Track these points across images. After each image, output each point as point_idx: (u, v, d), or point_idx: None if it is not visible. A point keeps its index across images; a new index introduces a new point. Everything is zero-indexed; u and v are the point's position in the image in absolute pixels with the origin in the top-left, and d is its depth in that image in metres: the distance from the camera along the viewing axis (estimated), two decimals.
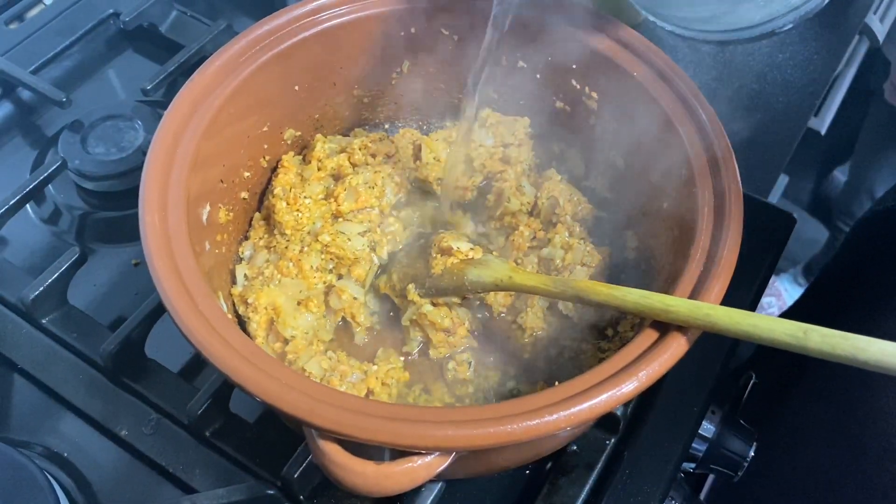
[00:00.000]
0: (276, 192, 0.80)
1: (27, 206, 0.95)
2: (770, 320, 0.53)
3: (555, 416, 0.54)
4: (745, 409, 0.96)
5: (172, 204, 0.65)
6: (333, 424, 0.53)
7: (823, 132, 1.49)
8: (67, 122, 0.99)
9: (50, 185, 0.96)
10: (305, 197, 0.80)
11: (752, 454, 0.87)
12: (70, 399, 0.80)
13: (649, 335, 0.59)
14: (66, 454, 0.78)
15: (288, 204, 0.78)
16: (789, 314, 1.30)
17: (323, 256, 0.77)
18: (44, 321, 0.83)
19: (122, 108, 1.00)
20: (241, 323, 0.74)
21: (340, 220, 0.79)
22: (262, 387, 0.55)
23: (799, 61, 1.23)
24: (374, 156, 0.84)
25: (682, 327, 0.58)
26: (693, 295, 0.61)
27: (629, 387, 0.56)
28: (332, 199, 0.80)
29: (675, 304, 0.57)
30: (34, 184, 0.91)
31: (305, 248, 0.77)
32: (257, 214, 0.82)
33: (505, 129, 0.86)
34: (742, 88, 1.18)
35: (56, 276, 0.83)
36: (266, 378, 0.56)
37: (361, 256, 0.78)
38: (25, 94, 1.06)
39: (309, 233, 0.78)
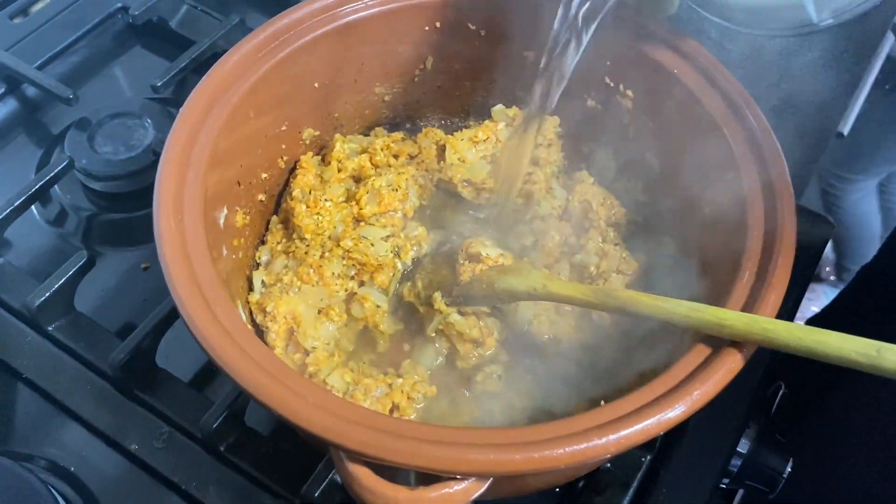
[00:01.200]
0: (294, 194, 0.76)
1: (32, 207, 0.91)
2: (838, 337, 0.49)
3: (603, 441, 0.50)
4: (774, 421, 0.92)
5: (189, 206, 0.61)
6: (365, 447, 0.50)
7: (846, 132, 1.45)
8: (74, 119, 0.95)
9: (56, 186, 0.92)
10: (326, 200, 0.76)
11: (790, 469, 0.83)
12: (77, 410, 0.76)
13: (700, 351, 0.55)
14: (72, 468, 0.74)
15: (308, 207, 0.74)
16: (830, 314, 1.25)
17: (345, 262, 0.73)
18: (49, 328, 0.80)
19: (130, 105, 0.96)
20: (259, 332, 0.70)
21: (362, 224, 0.76)
22: (288, 406, 0.51)
23: (829, 59, 1.19)
24: (396, 156, 0.80)
25: (736, 342, 0.54)
26: (746, 307, 0.57)
27: (680, 409, 0.52)
28: (354, 202, 0.76)
29: (730, 318, 0.53)
30: (40, 184, 0.87)
31: (326, 254, 0.73)
32: (274, 218, 0.78)
33: None
34: (771, 87, 1.14)
35: (63, 281, 0.80)
36: (291, 396, 0.52)
37: (385, 262, 0.74)
38: (31, 91, 1.02)
39: (330, 237, 0.75)
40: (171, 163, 0.63)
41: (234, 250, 0.71)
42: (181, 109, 0.66)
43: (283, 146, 0.78)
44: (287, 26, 0.74)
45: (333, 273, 0.72)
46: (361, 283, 0.75)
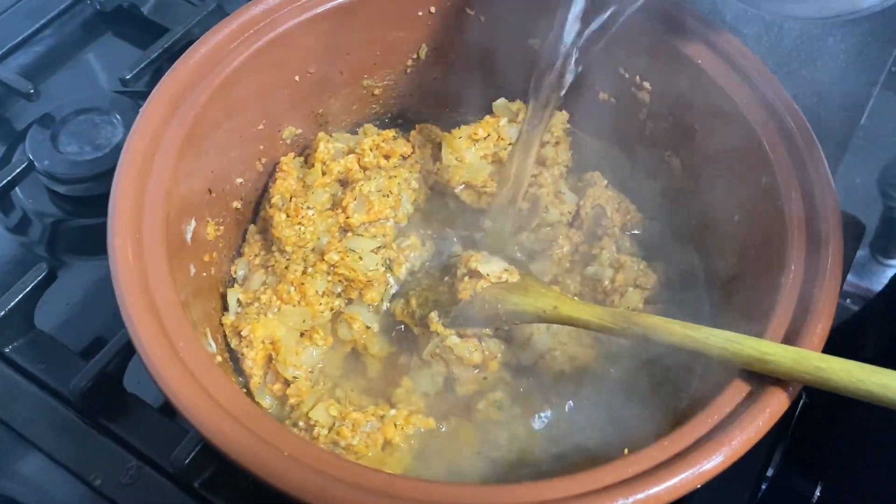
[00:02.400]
0: (273, 201, 0.68)
1: None
2: None
3: (630, 501, 0.42)
4: (797, 438, 0.86)
5: (149, 223, 0.54)
6: None
7: (862, 121, 1.38)
8: (37, 115, 0.87)
9: (17, 189, 0.85)
10: (308, 208, 0.69)
11: (819, 494, 0.77)
12: (36, 441, 0.70)
13: (738, 390, 0.48)
14: None
15: (288, 216, 0.67)
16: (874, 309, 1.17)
17: (330, 279, 0.66)
18: (6, 350, 0.73)
19: (97, 100, 0.89)
20: (235, 359, 0.63)
21: (350, 234, 0.68)
22: (257, 459, 0.45)
23: (852, 45, 1.11)
24: (387, 157, 0.73)
25: (779, 380, 0.47)
26: (789, 337, 0.49)
27: (718, 459, 0.45)
28: (340, 210, 0.68)
29: (775, 353, 0.46)
30: None
31: (310, 269, 0.66)
32: (252, 227, 0.71)
33: None
34: (790, 75, 1.07)
35: (21, 296, 0.73)
36: (263, 447, 0.45)
37: (375, 278, 0.66)
38: None
39: (313, 250, 0.67)
40: (130, 171, 0.55)
41: (206, 267, 0.64)
42: (142, 109, 0.59)
43: (261, 147, 0.71)
44: (264, 12, 0.67)
45: (317, 291, 0.65)
46: (349, 301, 0.67)
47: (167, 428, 0.69)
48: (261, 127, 0.70)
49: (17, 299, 0.72)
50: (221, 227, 0.66)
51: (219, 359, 0.60)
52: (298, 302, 0.65)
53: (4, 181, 0.81)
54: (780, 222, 0.55)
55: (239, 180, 0.69)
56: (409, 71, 0.77)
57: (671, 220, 0.71)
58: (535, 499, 0.43)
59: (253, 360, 0.61)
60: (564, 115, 0.75)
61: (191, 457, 0.64)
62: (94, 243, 0.83)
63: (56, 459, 0.69)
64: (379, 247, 0.68)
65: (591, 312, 0.56)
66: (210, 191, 0.64)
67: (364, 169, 0.72)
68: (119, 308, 0.50)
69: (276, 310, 0.64)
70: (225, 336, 0.64)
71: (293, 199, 0.68)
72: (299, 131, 0.74)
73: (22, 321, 0.74)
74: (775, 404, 0.46)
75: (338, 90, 0.75)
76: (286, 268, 0.66)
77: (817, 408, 0.92)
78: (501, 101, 0.76)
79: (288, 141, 0.73)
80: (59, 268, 0.80)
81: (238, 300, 0.65)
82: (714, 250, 0.65)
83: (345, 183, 0.71)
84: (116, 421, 0.69)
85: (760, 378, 0.48)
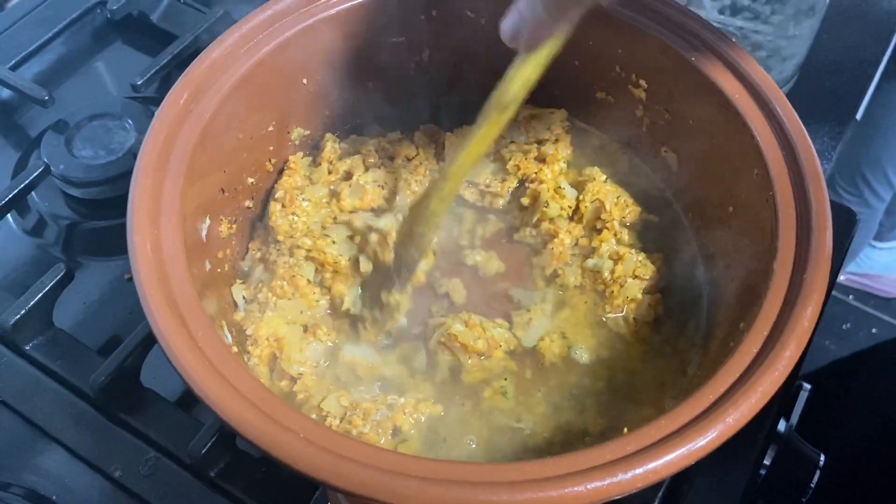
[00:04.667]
0: (277, 195, 0.70)
1: (8, 216, 0.87)
2: None
3: (629, 475, 0.45)
4: (799, 425, 0.87)
5: (166, 220, 0.56)
6: (364, 488, 0.44)
7: (859, 116, 1.40)
8: (51, 121, 0.89)
9: (33, 193, 0.87)
10: (304, 199, 0.70)
11: (817, 479, 0.78)
12: (57, 435, 0.71)
13: (731, 371, 0.50)
14: (53, 497, 0.69)
15: (284, 206, 0.69)
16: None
17: (314, 266, 0.67)
18: (27, 347, 0.75)
19: (110, 105, 0.91)
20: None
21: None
22: (275, 442, 0.46)
23: (845, 41, 1.13)
24: (391, 158, 0.75)
25: (772, 363, 0.49)
26: (780, 318, 0.52)
27: (712, 435, 0.47)
28: (335, 200, 0.70)
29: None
30: (14, 192, 0.82)
31: (293, 259, 0.67)
32: (259, 224, 0.73)
33: (539, 123, 0.76)
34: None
35: (40, 296, 0.75)
36: (278, 429, 0.47)
37: (344, 264, 0.68)
38: (4, 93, 0.96)
39: (304, 237, 0.69)
40: (147, 172, 0.57)
41: (220, 263, 0.66)
42: (157, 112, 0.60)
43: (271, 148, 0.73)
44: (272, 18, 0.68)
45: (309, 280, 0.67)
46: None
47: (183, 421, 0.71)
48: (270, 129, 0.72)
49: (36, 298, 0.74)
50: (234, 226, 0.68)
51: (235, 349, 0.62)
52: (293, 294, 0.66)
53: (21, 185, 0.83)
54: (771, 212, 0.58)
55: (250, 180, 0.71)
56: (412, 73, 0.79)
57: (669, 212, 0.72)
58: (538, 475, 0.45)
59: (259, 358, 0.63)
60: (563, 113, 0.77)
61: (206, 448, 0.66)
62: (108, 244, 0.86)
63: (76, 452, 0.70)
64: (352, 235, 0.69)
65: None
66: (223, 190, 0.66)
67: (367, 168, 0.74)
68: (140, 301, 0.52)
69: (272, 306, 0.65)
70: (239, 328, 0.66)
71: (289, 192, 0.70)
72: (307, 132, 0.76)
73: (41, 320, 0.76)
74: (767, 384, 0.48)
75: (344, 92, 0.77)
76: (275, 261, 0.67)
77: (820, 396, 0.94)
78: None
79: (297, 142, 0.75)
80: (76, 269, 0.82)
81: (243, 297, 0.67)
82: (710, 241, 0.67)
83: (348, 178, 0.73)
84: (134, 414, 0.71)
85: (754, 360, 0.50)
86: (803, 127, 0.59)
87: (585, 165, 0.77)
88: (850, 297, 2.21)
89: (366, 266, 0.68)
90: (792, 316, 0.51)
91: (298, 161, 0.74)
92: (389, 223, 0.68)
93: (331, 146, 0.75)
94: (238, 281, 0.69)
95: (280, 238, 0.69)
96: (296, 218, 0.70)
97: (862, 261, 2.11)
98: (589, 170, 0.75)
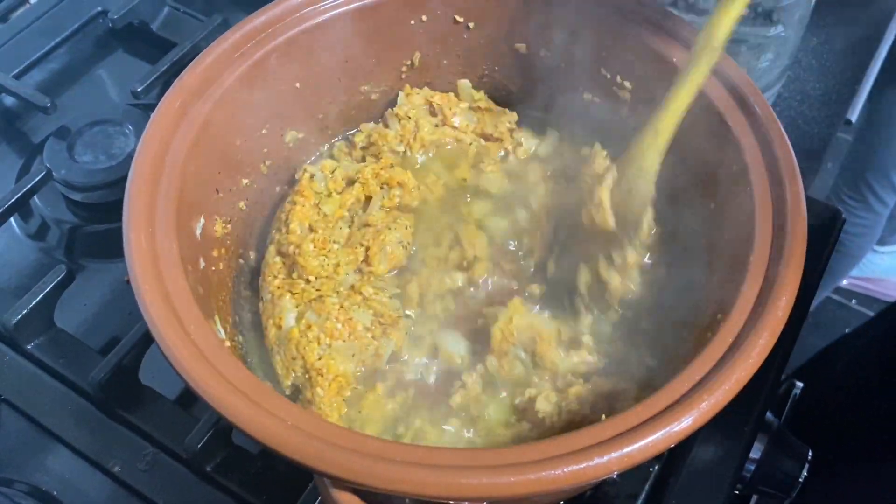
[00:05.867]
0: (292, 227, 0.71)
1: (11, 220, 0.89)
2: None
3: (605, 459, 0.46)
4: (788, 422, 0.88)
5: (161, 219, 0.58)
6: (348, 473, 0.46)
7: (854, 118, 1.41)
8: (54, 128, 0.92)
9: (35, 197, 0.89)
10: (334, 241, 0.72)
11: (806, 474, 0.79)
12: (58, 432, 0.73)
13: (708, 359, 0.51)
14: (54, 492, 0.71)
15: (315, 247, 0.70)
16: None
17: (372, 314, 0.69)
18: (28, 347, 0.77)
19: (111, 112, 0.93)
20: (243, 345, 0.67)
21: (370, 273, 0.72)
22: (263, 428, 0.48)
23: (835, 45, 1.15)
24: (386, 185, 0.76)
25: (747, 351, 0.50)
26: (756, 308, 0.53)
27: (688, 421, 0.48)
28: (362, 251, 0.71)
29: None
30: (17, 196, 0.84)
31: (346, 304, 0.68)
32: (271, 248, 0.73)
33: (490, 118, 0.80)
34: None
35: (41, 296, 0.77)
36: (268, 418, 0.48)
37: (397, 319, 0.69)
38: (8, 101, 0.99)
39: (342, 284, 0.70)
40: (142, 173, 0.59)
41: (214, 262, 0.67)
42: (152, 116, 0.63)
43: (265, 150, 0.74)
44: (264, 24, 0.71)
45: (364, 326, 0.67)
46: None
47: (180, 417, 0.73)
48: (264, 131, 0.73)
49: (37, 299, 0.76)
50: (229, 226, 0.70)
51: (227, 344, 0.63)
52: (348, 336, 0.67)
53: (24, 190, 0.85)
54: (749, 208, 0.59)
55: (245, 181, 0.72)
56: (403, 77, 0.81)
57: (658, 208, 0.74)
58: (517, 460, 0.47)
59: (324, 390, 0.64)
60: (514, 115, 0.81)
61: (203, 443, 0.68)
62: (109, 247, 0.88)
63: (77, 449, 0.72)
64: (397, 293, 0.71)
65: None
66: (217, 191, 0.68)
67: (368, 198, 0.75)
68: (135, 297, 0.54)
69: (327, 346, 0.66)
70: (234, 325, 0.68)
71: (318, 232, 0.71)
72: (301, 135, 0.77)
73: (43, 320, 0.78)
74: (741, 371, 0.50)
75: (337, 96, 0.79)
76: (320, 298, 0.68)
77: (812, 394, 0.95)
78: (465, 82, 0.81)
79: (291, 144, 0.77)
80: (77, 271, 0.84)
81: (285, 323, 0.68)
82: (692, 236, 0.68)
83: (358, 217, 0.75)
84: (133, 411, 0.73)
85: (730, 349, 0.51)
86: (780, 125, 0.61)
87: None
88: (853, 301, 2.21)
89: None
90: (767, 306, 0.52)
91: (307, 187, 0.75)
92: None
93: (325, 176, 0.76)
94: (284, 312, 0.69)
95: (311, 277, 0.69)
96: (326, 260, 0.71)
97: (864, 265, 2.12)
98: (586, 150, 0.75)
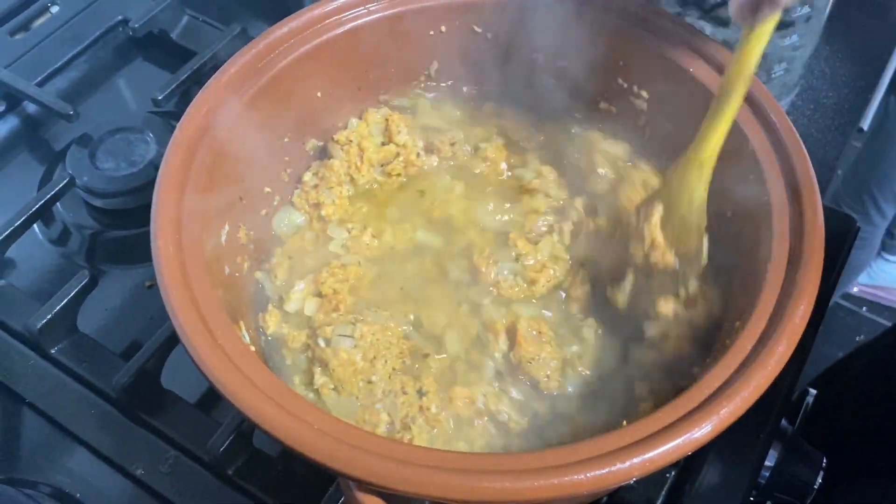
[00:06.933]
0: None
1: (34, 226, 0.90)
2: None
3: (626, 464, 0.47)
4: (803, 429, 0.89)
5: (188, 226, 0.59)
6: (374, 476, 0.47)
7: (866, 127, 1.41)
8: (76, 135, 0.93)
9: (58, 204, 0.90)
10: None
11: (820, 481, 0.80)
12: (81, 435, 0.74)
13: (726, 366, 0.52)
14: (77, 495, 0.72)
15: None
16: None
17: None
18: (52, 351, 0.78)
19: (132, 120, 0.94)
20: (269, 352, 0.68)
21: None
22: (291, 432, 0.49)
23: (847, 52, 1.16)
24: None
25: (765, 359, 0.51)
26: (774, 317, 0.54)
27: (707, 428, 0.49)
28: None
29: None
30: (40, 203, 0.86)
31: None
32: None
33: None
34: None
35: (65, 302, 0.78)
36: (294, 421, 0.49)
37: None
38: (31, 108, 1.00)
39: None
40: (169, 181, 0.60)
41: (237, 268, 0.69)
42: (178, 124, 0.64)
43: (287, 158, 0.76)
44: (287, 34, 0.72)
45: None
46: None
47: (202, 421, 0.74)
48: (286, 140, 0.75)
49: (61, 304, 0.77)
50: (252, 233, 0.71)
51: (252, 349, 0.64)
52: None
53: (47, 197, 0.86)
54: (766, 217, 0.60)
55: (267, 190, 0.74)
56: (421, 87, 0.82)
57: None
58: (541, 465, 0.47)
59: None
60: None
61: (224, 446, 0.69)
62: (130, 253, 0.89)
63: (99, 452, 0.73)
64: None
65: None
66: (241, 199, 0.69)
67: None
68: (163, 303, 0.55)
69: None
70: (258, 329, 0.69)
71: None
72: (321, 143, 0.79)
73: (66, 325, 0.79)
74: (760, 379, 0.50)
75: (356, 105, 0.80)
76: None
77: (827, 401, 0.95)
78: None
79: (311, 152, 0.78)
80: (99, 276, 0.85)
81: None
82: (709, 245, 0.69)
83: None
84: (155, 415, 0.74)
85: (747, 357, 0.52)
86: (797, 134, 0.62)
87: None
88: (864, 308, 2.21)
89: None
90: (785, 314, 0.53)
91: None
92: None
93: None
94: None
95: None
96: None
97: (875, 273, 2.12)
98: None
